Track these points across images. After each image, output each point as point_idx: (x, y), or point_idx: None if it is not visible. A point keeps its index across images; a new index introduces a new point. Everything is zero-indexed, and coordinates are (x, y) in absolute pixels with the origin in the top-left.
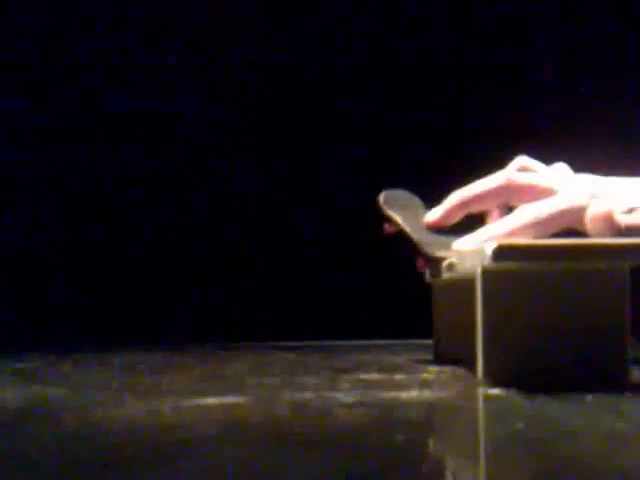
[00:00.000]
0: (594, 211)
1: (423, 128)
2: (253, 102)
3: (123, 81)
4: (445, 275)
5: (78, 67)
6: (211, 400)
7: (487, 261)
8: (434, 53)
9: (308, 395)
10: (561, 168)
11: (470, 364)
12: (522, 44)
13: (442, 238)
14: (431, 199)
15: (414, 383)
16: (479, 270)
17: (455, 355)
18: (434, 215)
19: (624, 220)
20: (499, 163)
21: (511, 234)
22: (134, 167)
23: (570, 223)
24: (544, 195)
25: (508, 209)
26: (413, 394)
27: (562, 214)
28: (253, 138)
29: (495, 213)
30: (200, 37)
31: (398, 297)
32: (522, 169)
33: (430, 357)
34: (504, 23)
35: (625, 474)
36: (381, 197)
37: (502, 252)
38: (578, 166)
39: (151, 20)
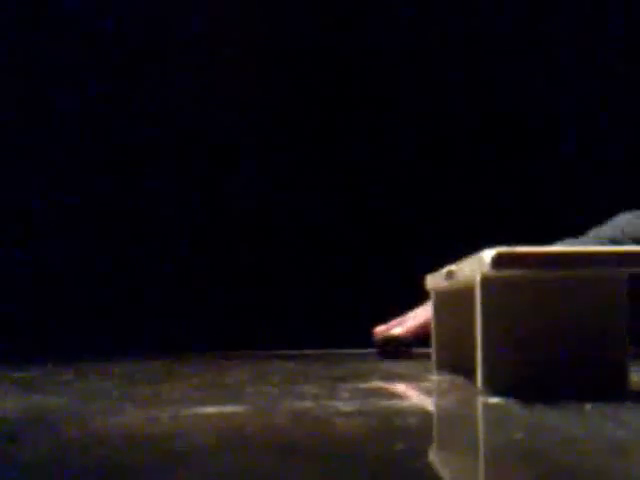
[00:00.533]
0: None
1: (422, 129)
2: (253, 102)
3: (122, 81)
4: (445, 283)
5: (77, 67)
6: (210, 409)
7: (486, 268)
8: (433, 54)
9: (308, 404)
10: None
11: (470, 372)
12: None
13: None
14: (431, 198)
15: (414, 391)
16: (478, 278)
17: (455, 363)
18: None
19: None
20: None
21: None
22: (133, 168)
23: None
24: None
25: None
26: (413, 402)
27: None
28: (253, 138)
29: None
30: (201, 37)
31: (398, 305)
32: None
33: (430, 365)
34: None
35: None
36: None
37: (501, 259)
38: None
39: (152, 20)
